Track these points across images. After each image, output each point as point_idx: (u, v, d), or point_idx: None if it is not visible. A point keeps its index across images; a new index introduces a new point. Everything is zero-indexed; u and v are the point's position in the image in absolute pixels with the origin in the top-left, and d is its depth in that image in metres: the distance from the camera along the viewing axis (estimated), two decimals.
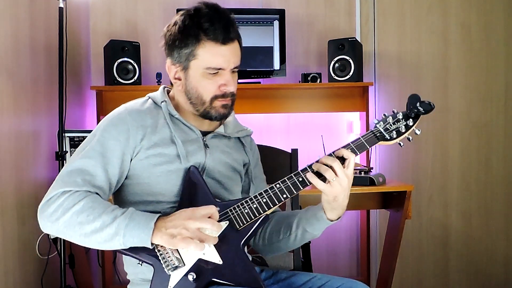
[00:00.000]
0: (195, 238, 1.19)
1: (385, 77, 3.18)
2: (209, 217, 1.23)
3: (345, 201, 1.32)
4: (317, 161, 1.30)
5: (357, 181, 2.44)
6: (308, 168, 1.30)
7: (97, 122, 2.80)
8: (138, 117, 1.36)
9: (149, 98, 1.45)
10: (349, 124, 3.15)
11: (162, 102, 1.41)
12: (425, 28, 3.19)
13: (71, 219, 1.21)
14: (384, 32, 3.18)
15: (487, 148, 3.24)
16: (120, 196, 1.40)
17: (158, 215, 1.24)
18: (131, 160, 1.34)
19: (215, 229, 1.22)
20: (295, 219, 1.43)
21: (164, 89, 1.48)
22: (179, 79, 1.41)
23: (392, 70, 3.19)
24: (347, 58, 2.85)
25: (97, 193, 1.28)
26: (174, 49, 1.37)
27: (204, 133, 1.44)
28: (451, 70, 3.21)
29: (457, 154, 3.22)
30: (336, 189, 1.27)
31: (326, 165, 1.27)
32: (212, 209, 1.24)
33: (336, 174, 1.26)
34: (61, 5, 2.21)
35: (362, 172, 2.51)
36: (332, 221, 1.37)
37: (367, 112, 3.01)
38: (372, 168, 2.74)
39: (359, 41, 3.05)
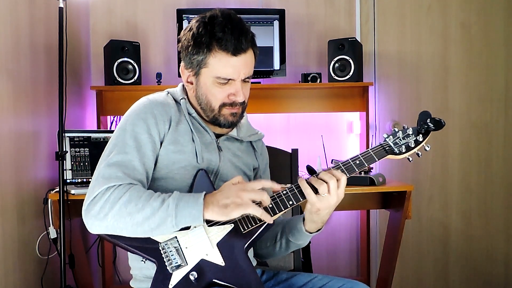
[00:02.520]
0: (249, 204, 1.21)
1: (385, 77, 3.18)
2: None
3: (326, 216, 1.35)
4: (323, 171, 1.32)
5: (357, 181, 2.44)
6: (315, 177, 1.32)
7: (97, 122, 2.81)
8: (163, 110, 1.37)
9: (168, 93, 1.46)
10: (349, 124, 3.15)
11: (181, 99, 1.42)
12: (425, 28, 3.19)
13: (120, 211, 1.22)
14: (384, 32, 3.18)
15: (487, 148, 3.24)
16: None
17: (205, 192, 1.25)
18: (159, 150, 1.36)
19: (267, 202, 1.24)
20: (279, 229, 1.46)
21: (183, 86, 1.48)
22: (191, 83, 1.42)
23: (392, 70, 3.19)
24: (347, 58, 2.85)
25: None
26: (187, 55, 1.38)
27: (217, 135, 1.45)
28: (451, 70, 3.21)
29: (457, 154, 3.22)
30: (323, 204, 1.29)
31: (323, 180, 1.28)
32: (265, 182, 1.25)
33: (328, 191, 1.27)
34: (61, 5, 2.21)
35: (362, 172, 2.50)
36: (311, 233, 1.40)
37: (367, 112, 3.01)
38: (372, 168, 2.74)
39: (359, 41, 3.04)
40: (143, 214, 1.21)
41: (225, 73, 1.34)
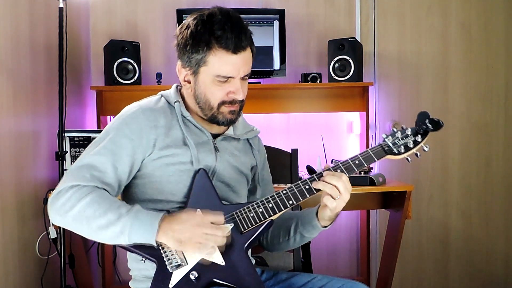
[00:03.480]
0: (202, 244, 1.21)
1: (385, 77, 3.18)
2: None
3: (340, 209, 1.36)
4: (323, 170, 1.32)
5: (357, 181, 2.44)
6: (315, 177, 1.32)
7: (97, 122, 2.81)
8: (152, 116, 1.36)
9: (162, 96, 1.45)
10: (349, 124, 3.15)
11: (175, 102, 1.41)
12: (425, 28, 3.19)
13: (79, 213, 1.22)
14: (384, 32, 3.18)
15: (487, 148, 3.24)
16: (130, 194, 1.40)
17: (163, 213, 1.24)
18: (142, 160, 1.35)
19: (224, 237, 1.24)
20: (292, 224, 1.46)
21: (177, 88, 1.47)
22: (189, 82, 1.41)
23: (392, 70, 3.19)
24: (347, 58, 2.85)
25: (105, 189, 1.29)
26: (185, 53, 1.36)
27: (214, 135, 1.44)
28: (451, 70, 3.21)
29: (457, 154, 3.22)
30: (340, 205, 1.31)
31: (331, 184, 1.29)
32: (221, 217, 1.25)
33: (340, 192, 1.29)
34: (61, 5, 2.21)
35: (362, 172, 2.50)
36: (325, 227, 1.41)
37: (367, 112, 3.01)
38: (372, 168, 2.74)
39: (359, 41, 3.04)
40: (98, 224, 1.22)
41: (225, 71, 1.33)
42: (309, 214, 1.42)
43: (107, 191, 1.29)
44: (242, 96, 1.37)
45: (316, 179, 1.32)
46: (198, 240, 1.20)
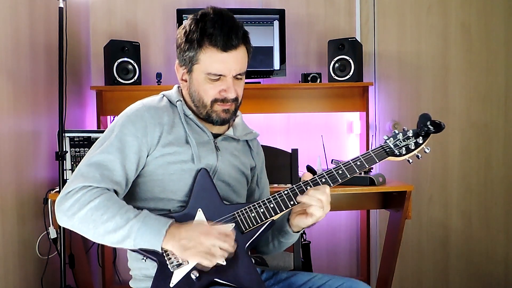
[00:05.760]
0: (208, 254, 1.21)
1: (385, 77, 3.18)
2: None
3: None
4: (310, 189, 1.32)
5: (357, 181, 2.44)
6: (317, 178, 1.33)
7: (97, 122, 2.81)
8: (156, 114, 1.38)
9: (164, 96, 1.46)
10: (349, 124, 3.15)
11: (177, 101, 1.43)
12: (425, 28, 3.19)
13: (86, 215, 1.23)
14: (384, 32, 3.18)
15: (487, 148, 3.24)
16: (132, 193, 1.40)
17: (172, 220, 1.24)
18: (147, 156, 1.36)
19: (230, 249, 1.23)
20: (270, 231, 1.46)
21: (178, 88, 1.49)
22: (186, 81, 1.43)
23: (392, 70, 3.19)
24: (347, 58, 2.85)
25: (114, 190, 1.29)
26: (180, 52, 1.40)
27: (214, 135, 1.45)
28: (451, 70, 3.21)
29: (457, 154, 3.22)
30: (321, 218, 1.32)
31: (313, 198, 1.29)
32: (229, 229, 1.25)
33: (322, 207, 1.29)
34: (61, 5, 2.21)
35: (362, 172, 2.50)
36: (298, 231, 1.42)
37: (367, 112, 3.01)
38: (372, 168, 2.74)
39: (359, 41, 3.04)
40: (105, 228, 1.22)
41: (216, 69, 1.35)
42: (281, 221, 1.42)
43: (116, 191, 1.30)
44: (234, 95, 1.38)
45: (318, 180, 1.33)
46: (205, 250, 1.20)
